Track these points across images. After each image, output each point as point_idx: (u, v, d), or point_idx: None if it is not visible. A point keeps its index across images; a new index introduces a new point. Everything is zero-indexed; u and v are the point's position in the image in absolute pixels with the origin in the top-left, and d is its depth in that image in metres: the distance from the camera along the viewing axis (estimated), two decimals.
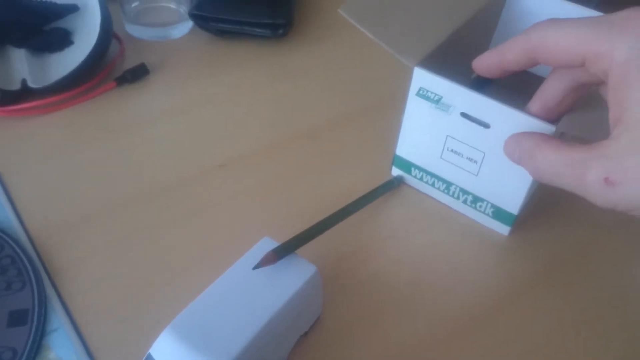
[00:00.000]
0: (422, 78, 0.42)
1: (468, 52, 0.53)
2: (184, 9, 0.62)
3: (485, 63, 0.38)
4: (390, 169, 0.50)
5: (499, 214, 0.45)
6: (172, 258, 0.42)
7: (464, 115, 0.42)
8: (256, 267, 0.35)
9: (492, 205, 0.45)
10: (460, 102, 0.42)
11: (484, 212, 0.46)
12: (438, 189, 0.47)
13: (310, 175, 0.49)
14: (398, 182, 0.48)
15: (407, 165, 0.48)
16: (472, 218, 0.47)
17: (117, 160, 0.49)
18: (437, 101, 0.42)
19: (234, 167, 0.49)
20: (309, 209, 0.46)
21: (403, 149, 0.47)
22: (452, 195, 0.47)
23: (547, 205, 0.48)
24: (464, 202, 0.46)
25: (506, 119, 0.40)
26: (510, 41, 0.36)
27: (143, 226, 0.44)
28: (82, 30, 0.56)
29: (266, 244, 0.37)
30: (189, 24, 0.62)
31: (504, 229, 0.46)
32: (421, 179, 0.48)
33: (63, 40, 0.56)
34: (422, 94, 0.43)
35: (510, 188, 0.43)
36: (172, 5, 0.62)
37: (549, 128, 0.39)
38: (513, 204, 0.44)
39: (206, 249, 0.43)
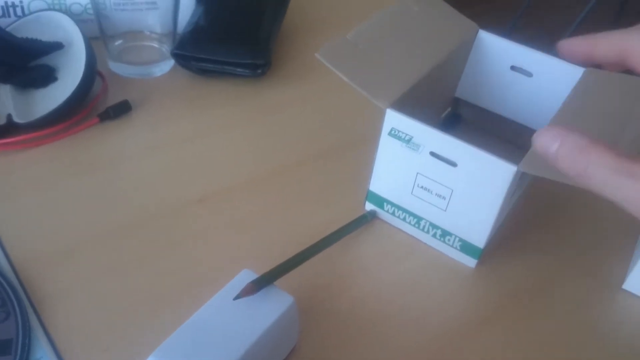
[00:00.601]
0: (393, 119, 0.45)
1: (437, 94, 0.56)
2: (166, 48, 0.64)
3: (573, 47, 0.36)
4: (364, 204, 0.52)
5: (466, 247, 0.47)
6: (155, 289, 0.44)
7: (432, 154, 0.45)
8: (237, 297, 0.37)
9: (460, 239, 0.47)
10: (430, 142, 0.44)
11: (452, 246, 0.48)
12: (409, 223, 0.50)
13: (287, 209, 0.51)
14: (371, 216, 0.51)
15: (379, 201, 0.50)
16: (441, 251, 0.49)
17: (99, 194, 0.50)
18: (407, 141, 0.45)
19: (214, 202, 0.51)
20: (287, 242, 0.48)
21: (376, 185, 0.50)
22: (422, 230, 0.49)
23: (511, 239, 0.51)
24: (434, 235, 0.49)
25: (472, 158, 0.43)
26: (607, 34, 0.34)
27: (125, 259, 0.46)
28: (67, 67, 0.58)
29: (246, 276, 0.39)
30: (171, 62, 0.65)
31: (471, 262, 0.48)
32: (393, 213, 0.50)
33: (47, 76, 0.58)
34: (394, 134, 0.46)
35: (476, 223, 0.46)
36: (155, 44, 0.64)
37: (510, 168, 0.42)
38: (479, 238, 0.46)
39: (187, 280, 0.45)
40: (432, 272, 0.48)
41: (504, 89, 0.56)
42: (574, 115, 0.46)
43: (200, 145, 0.56)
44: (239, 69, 0.62)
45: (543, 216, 0.54)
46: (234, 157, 0.56)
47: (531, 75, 0.54)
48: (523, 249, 0.50)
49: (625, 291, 0.48)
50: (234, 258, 0.47)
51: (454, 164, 0.44)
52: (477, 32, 0.55)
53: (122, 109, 0.58)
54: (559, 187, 0.56)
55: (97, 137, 0.56)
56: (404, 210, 0.49)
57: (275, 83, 0.65)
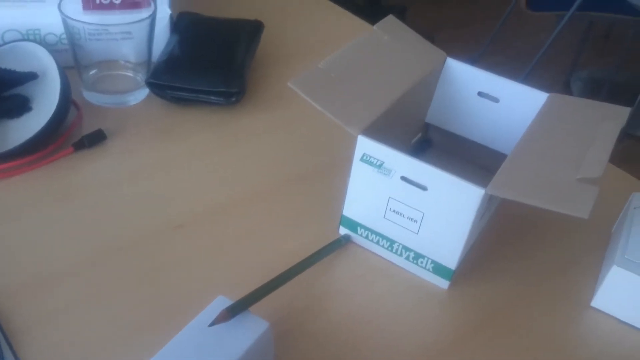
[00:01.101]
0: (365, 145, 0.46)
1: (408, 119, 0.57)
2: (140, 77, 0.65)
3: None
4: (338, 229, 0.53)
5: (438, 269, 0.48)
6: (131, 318, 0.44)
7: (403, 178, 0.46)
8: (212, 324, 0.37)
9: (432, 261, 0.48)
10: (400, 167, 0.46)
11: (425, 268, 0.49)
12: (382, 246, 0.50)
13: (263, 235, 0.52)
14: (345, 240, 0.52)
15: (353, 225, 0.51)
16: (414, 273, 0.50)
17: (75, 223, 0.50)
18: (379, 166, 0.46)
19: (190, 228, 0.51)
20: (263, 268, 0.49)
21: (349, 210, 0.51)
22: (396, 252, 0.50)
23: (482, 260, 0.52)
24: (407, 258, 0.50)
25: (441, 182, 0.44)
26: None
27: (101, 288, 0.46)
28: (41, 97, 0.58)
29: (220, 303, 0.39)
30: (146, 91, 0.65)
31: (443, 283, 0.49)
32: (367, 237, 0.51)
33: (22, 106, 0.58)
34: (366, 160, 0.47)
35: (447, 245, 0.47)
36: (129, 73, 0.65)
37: (478, 191, 0.43)
38: (451, 259, 0.47)
39: (164, 308, 0.45)
40: (406, 293, 0.48)
41: (472, 114, 0.58)
42: (539, 138, 0.48)
43: (175, 172, 0.57)
44: (213, 97, 0.63)
45: (513, 237, 0.55)
46: (209, 184, 0.56)
47: (498, 100, 0.56)
48: (494, 270, 0.52)
49: (594, 308, 0.49)
50: (211, 284, 0.47)
51: (424, 188, 0.45)
52: (445, 59, 0.57)
53: (96, 138, 0.58)
54: (527, 208, 0.58)
55: (72, 166, 0.56)
56: (377, 234, 0.50)
57: (249, 110, 0.66)
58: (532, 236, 0.55)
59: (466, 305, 0.48)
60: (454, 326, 0.47)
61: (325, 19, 0.87)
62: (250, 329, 0.38)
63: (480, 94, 0.57)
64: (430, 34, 2.55)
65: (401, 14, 2.71)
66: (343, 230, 0.52)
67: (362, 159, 0.47)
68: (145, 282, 0.46)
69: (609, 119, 0.50)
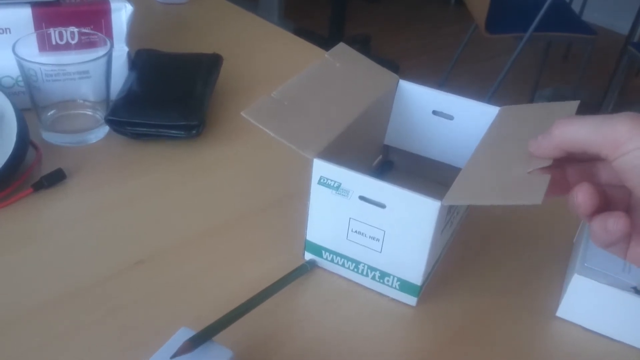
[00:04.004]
0: (321, 168, 0.47)
1: (366, 142, 0.58)
2: (100, 115, 0.65)
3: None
4: (303, 255, 0.53)
5: (404, 286, 0.49)
6: (93, 357, 0.43)
7: (362, 198, 0.46)
8: (173, 356, 0.37)
9: (398, 279, 0.49)
10: (358, 187, 0.46)
11: (391, 286, 0.49)
12: (348, 268, 0.51)
13: (228, 267, 0.51)
14: (311, 265, 0.51)
15: (317, 249, 0.51)
16: (382, 292, 0.50)
17: (34, 264, 0.50)
18: (337, 187, 0.47)
19: (152, 264, 0.51)
20: (228, 299, 0.48)
21: (312, 234, 0.51)
22: (361, 273, 0.50)
23: (449, 274, 0.52)
24: (373, 278, 0.50)
25: (398, 198, 0.45)
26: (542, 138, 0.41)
27: (62, 328, 0.45)
28: None
29: (184, 334, 0.39)
30: (106, 128, 0.65)
31: (411, 300, 0.49)
32: (332, 260, 0.51)
33: None
34: (323, 182, 0.47)
35: (411, 261, 0.47)
36: (89, 112, 0.65)
37: (435, 203, 0.43)
38: (416, 275, 0.48)
39: (126, 345, 0.44)
40: (374, 313, 0.48)
41: (428, 133, 0.59)
42: (492, 148, 0.48)
43: (136, 208, 0.56)
44: (173, 131, 0.63)
45: (477, 251, 0.55)
46: (171, 218, 0.56)
47: (452, 118, 0.57)
48: (460, 285, 0.52)
49: (559, 318, 0.50)
50: (175, 318, 0.46)
51: (382, 206, 0.46)
52: (398, 81, 0.58)
53: (56, 178, 0.58)
54: (491, 222, 0.58)
55: (31, 207, 0.55)
56: (342, 256, 0.50)
57: (210, 143, 0.66)
58: (497, 250, 0.56)
59: (435, 321, 0.48)
60: (424, 343, 0.46)
61: (286, 50, 0.88)
62: (215, 359, 0.38)
63: (435, 112, 0.58)
64: (395, 62, 2.59)
65: (365, 44, 2.76)
66: (308, 256, 0.52)
67: (319, 182, 0.47)
68: (108, 320, 0.46)
69: (558, 115, 0.50)
